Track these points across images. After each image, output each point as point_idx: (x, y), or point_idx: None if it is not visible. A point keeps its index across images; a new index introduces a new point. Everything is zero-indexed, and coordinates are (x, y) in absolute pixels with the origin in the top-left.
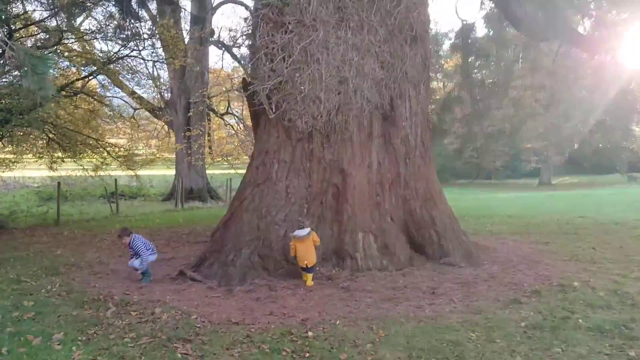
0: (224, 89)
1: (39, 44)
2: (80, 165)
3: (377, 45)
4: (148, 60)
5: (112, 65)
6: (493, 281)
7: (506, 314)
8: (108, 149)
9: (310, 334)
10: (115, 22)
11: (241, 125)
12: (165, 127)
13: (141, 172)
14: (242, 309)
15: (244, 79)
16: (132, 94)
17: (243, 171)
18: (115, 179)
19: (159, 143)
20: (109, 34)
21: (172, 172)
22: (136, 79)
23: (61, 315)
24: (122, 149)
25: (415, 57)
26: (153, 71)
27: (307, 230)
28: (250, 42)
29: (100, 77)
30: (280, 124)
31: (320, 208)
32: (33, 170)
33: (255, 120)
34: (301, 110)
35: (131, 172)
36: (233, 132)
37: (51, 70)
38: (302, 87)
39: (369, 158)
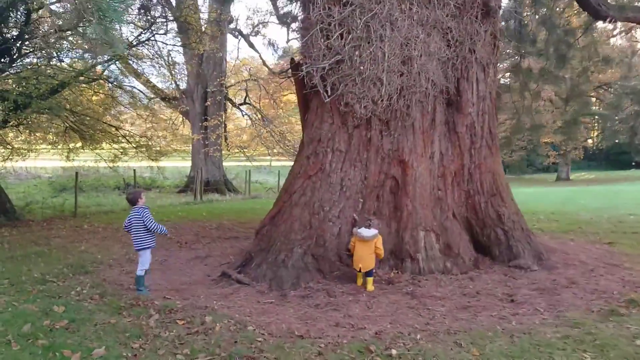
0: (245, 78)
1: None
2: (98, 155)
3: (445, 20)
4: (172, 45)
5: (133, 50)
6: (576, 287)
7: (610, 328)
8: (128, 137)
9: (393, 352)
10: (139, 2)
11: (258, 115)
12: (180, 117)
13: (155, 164)
14: (303, 318)
15: (292, 59)
16: (147, 82)
17: (259, 163)
18: (134, 170)
19: (172, 133)
20: (131, 16)
21: (186, 163)
22: (154, 66)
23: (98, 324)
24: (143, 137)
25: (485, 35)
26: (168, 59)
27: (374, 232)
28: (302, 17)
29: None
30: (335, 108)
31: (377, 203)
32: (44, 160)
33: (305, 105)
34: (360, 93)
35: (153, 163)
36: (249, 122)
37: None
38: (361, 67)
39: (431, 148)
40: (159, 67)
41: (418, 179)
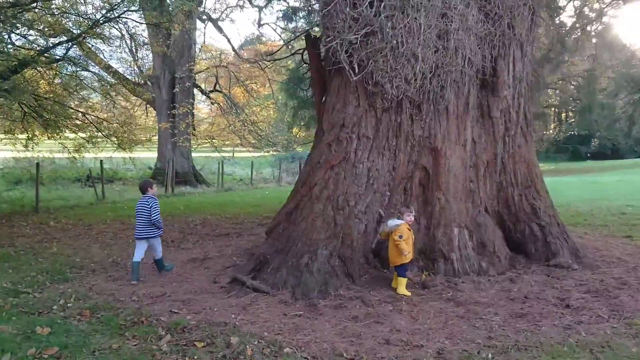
0: (215, 64)
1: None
2: (61, 145)
3: None
4: (139, 24)
5: (96, 30)
6: (630, 289)
7: None
8: (97, 125)
9: None
10: None
11: (228, 103)
12: (144, 104)
13: (116, 155)
14: (344, 334)
15: (307, 33)
16: (107, 68)
17: (225, 154)
18: (101, 161)
19: (135, 123)
20: None
21: (149, 154)
22: (117, 49)
23: (97, 351)
24: (115, 124)
25: (524, 8)
26: (132, 42)
27: (397, 222)
28: None
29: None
30: (361, 89)
31: (404, 196)
32: None
33: (322, 86)
34: (392, 71)
35: (123, 153)
36: (217, 111)
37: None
38: (395, 41)
39: (464, 135)
40: (122, 51)
41: (451, 170)
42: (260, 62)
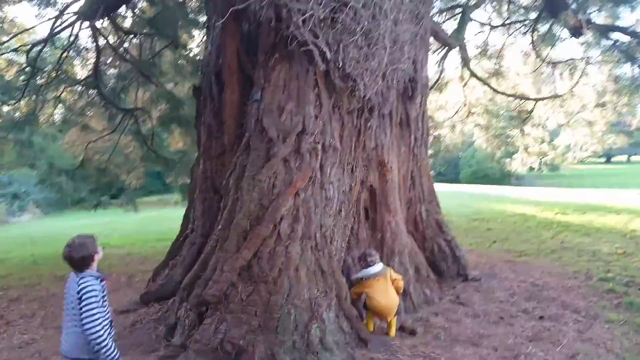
0: None
1: None
2: None
3: None
4: None
5: None
6: (547, 291)
7: None
8: None
9: None
10: None
11: None
12: None
13: None
14: None
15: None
16: None
17: None
18: None
19: None
20: None
21: None
22: None
23: None
24: None
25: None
26: None
27: (381, 265)
28: None
29: None
30: (323, 84)
31: (353, 222)
32: None
33: (239, 77)
34: (365, 61)
35: None
36: None
37: None
38: (366, 22)
39: (397, 146)
40: None
41: (396, 188)
42: None
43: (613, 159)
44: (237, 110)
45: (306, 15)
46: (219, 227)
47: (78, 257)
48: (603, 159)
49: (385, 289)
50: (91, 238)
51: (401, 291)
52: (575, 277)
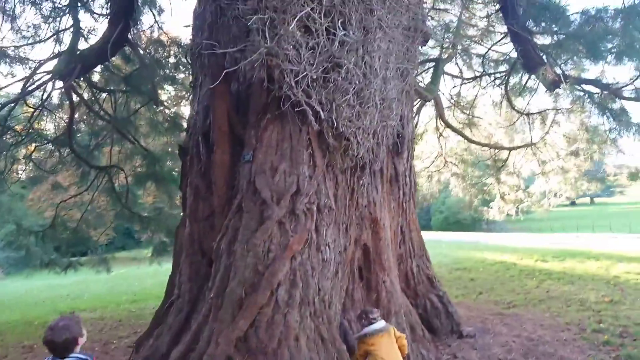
0: None
1: None
2: None
3: (400, 39)
4: None
5: None
6: (543, 346)
7: None
8: None
9: None
10: None
11: None
12: None
13: None
14: None
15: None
16: None
17: None
18: None
19: None
20: None
21: None
22: None
23: None
24: None
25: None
26: None
27: (383, 322)
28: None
29: None
30: (317, 143)
31: (348, 282)
32: None
33: (230, 139)
34: (358, 120)
35: None
36: None
37: None
38: (357, 81)
39: (388, 202)
40: None
41: (389, 245)
42: None
43: (577, 201)
44: (228, 171)
45: (300, 77)
46: (211, 294)
47: (60, 340)
48: (567, 202)
49: (390, 346)
50: (75, 319)
51: (406, 351)
52: (568, 328)
